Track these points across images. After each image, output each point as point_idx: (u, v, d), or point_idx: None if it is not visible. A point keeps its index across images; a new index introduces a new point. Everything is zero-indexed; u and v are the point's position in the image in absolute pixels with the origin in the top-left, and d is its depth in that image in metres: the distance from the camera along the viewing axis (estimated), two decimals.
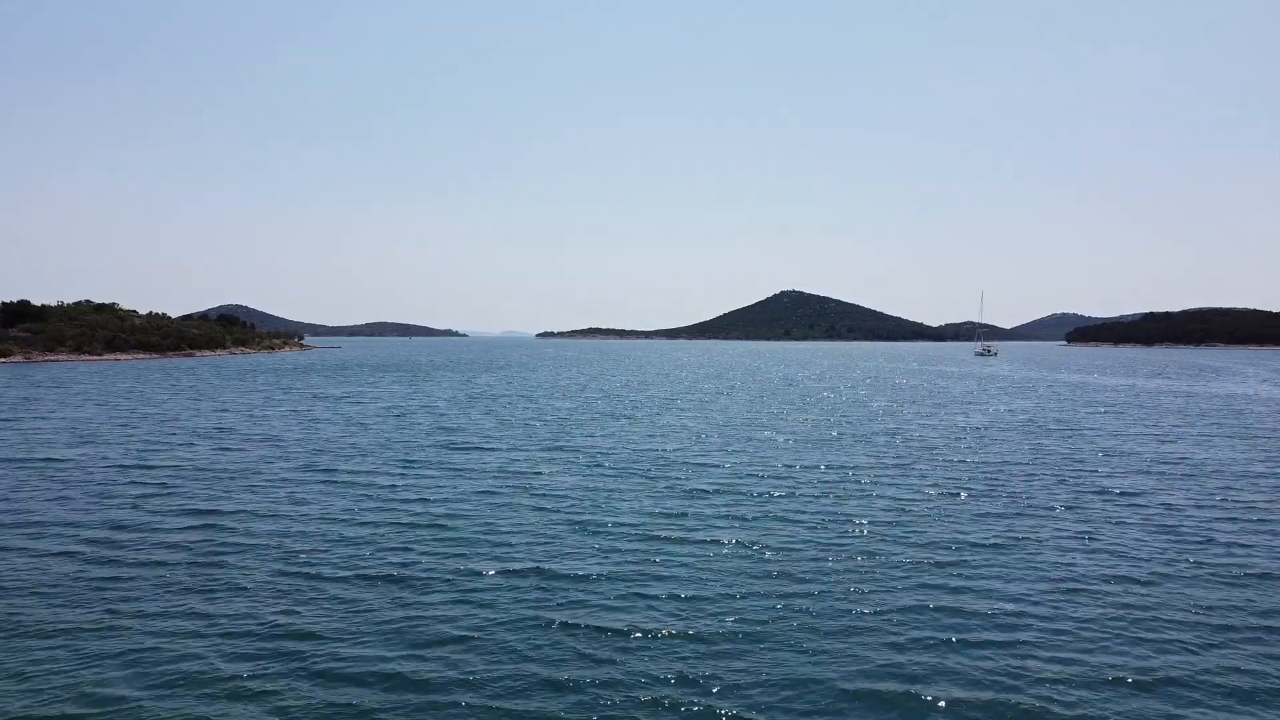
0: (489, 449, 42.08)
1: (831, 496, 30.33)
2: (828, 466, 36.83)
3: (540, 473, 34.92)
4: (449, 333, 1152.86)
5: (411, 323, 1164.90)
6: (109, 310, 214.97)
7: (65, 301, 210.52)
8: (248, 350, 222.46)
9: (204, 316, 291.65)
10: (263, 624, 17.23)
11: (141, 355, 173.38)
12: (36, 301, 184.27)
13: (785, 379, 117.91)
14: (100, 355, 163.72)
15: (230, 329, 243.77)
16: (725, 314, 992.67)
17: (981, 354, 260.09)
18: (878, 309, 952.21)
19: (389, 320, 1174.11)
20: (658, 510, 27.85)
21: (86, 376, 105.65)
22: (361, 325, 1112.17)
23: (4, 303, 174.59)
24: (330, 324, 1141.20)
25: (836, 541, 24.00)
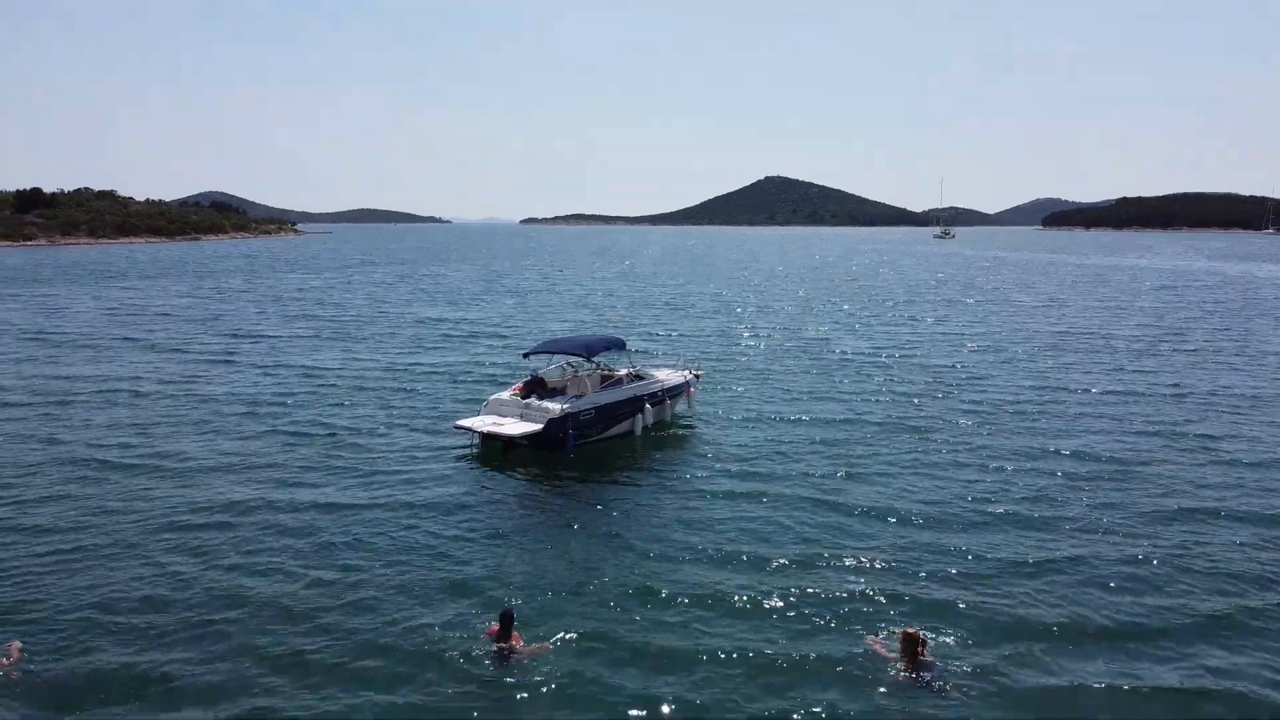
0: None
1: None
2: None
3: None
4: (432, 219, 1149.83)
5: (394, 209, 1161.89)
6: (109, 197, 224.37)
7: (65, 189, 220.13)
8: (246, 235, 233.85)
9: (197, 204, 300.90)
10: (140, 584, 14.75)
11: (153, 239, 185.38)
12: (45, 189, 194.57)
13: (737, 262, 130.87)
14: (114, 239, 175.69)
15: (227, 215, 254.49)
16: (709, 200, 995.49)
17: (940, 237, 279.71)
18: (861, 194, 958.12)
19: (371, 207, 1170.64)
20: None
21: (127, 261, 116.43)
22: (344, 212, 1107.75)
23: (18, 190, 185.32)
24: (313, 210, 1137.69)
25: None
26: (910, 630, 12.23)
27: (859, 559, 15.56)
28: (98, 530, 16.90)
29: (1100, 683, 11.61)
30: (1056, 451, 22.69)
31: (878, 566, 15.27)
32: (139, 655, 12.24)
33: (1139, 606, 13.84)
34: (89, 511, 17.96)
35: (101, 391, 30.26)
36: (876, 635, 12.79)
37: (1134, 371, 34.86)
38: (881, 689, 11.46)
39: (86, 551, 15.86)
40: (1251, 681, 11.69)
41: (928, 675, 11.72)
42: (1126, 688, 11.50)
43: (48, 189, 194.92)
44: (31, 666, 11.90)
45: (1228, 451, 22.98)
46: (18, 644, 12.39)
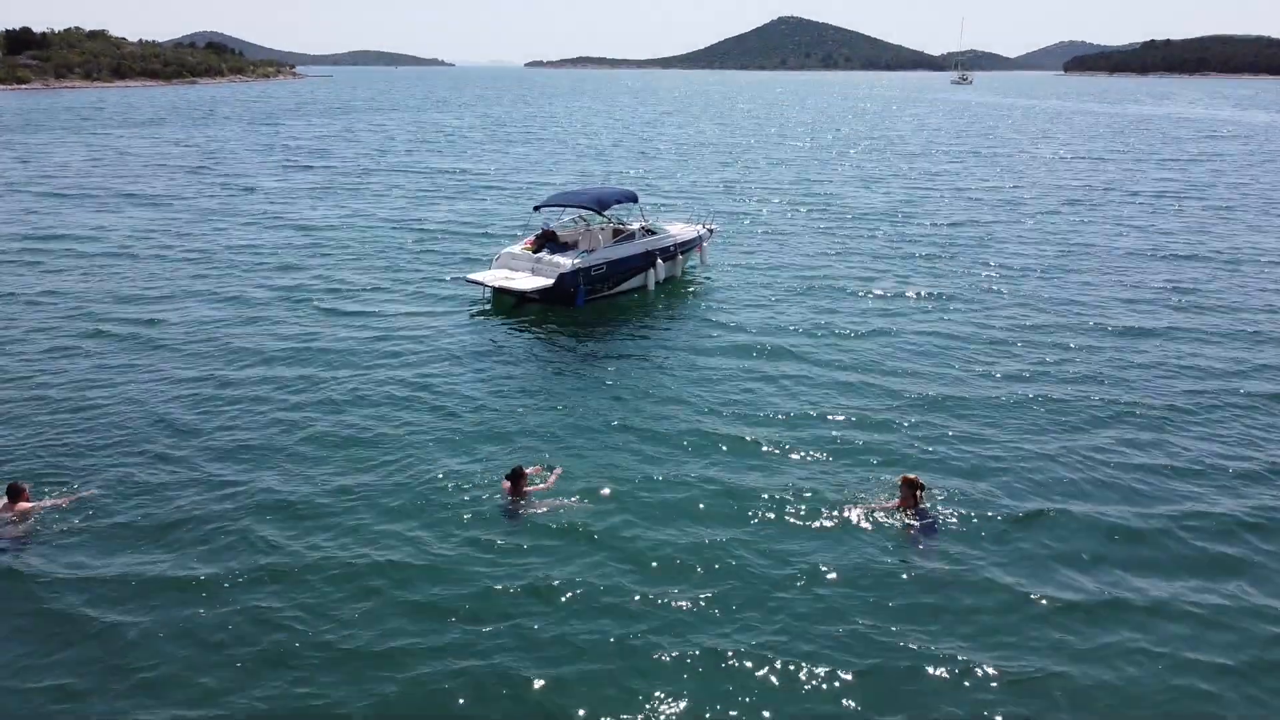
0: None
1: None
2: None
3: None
4: (435, 62, 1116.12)
5: (396, 51, 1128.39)
6: (102, 37, 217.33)
7: (55, 28, 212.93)
8: (244, 79, 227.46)
9: (192, 44, 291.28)
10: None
11: (149, 83, 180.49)
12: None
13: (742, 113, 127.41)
14: (109, 82, 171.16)
15: (224, 57, 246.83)
16: (720, 42, 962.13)
17: (957, 82, 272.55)
18: (879, 36, 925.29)
19: (372, 49, 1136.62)
20: None
21: (123, 106, 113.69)
22: (345, 54, 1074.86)
23: (7, 30, 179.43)
24: (312, 52, 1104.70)
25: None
26: (910, 475, 12.38)
27: (865, 429, 15.38)
28: (101, 386, 16.92)
29: (1101, 564, 11.38)
30: (1073, 319, 22.21)
31: (882, 435, 15.09)
32: (139, 510, 12.25)
33: (1153, 490, 13.36)
34: (88, 370, 17.89)
35: (97, 253, 29.40)
36: (876, 483, 13.02)
37: (1153, 231, 34.15)
38: (879, 543, 11.57)
39: (88, 409, 15.81)
40: (1265, 572, 11.31)
41: (925, 522, 11.93)
42: (1132, 575, 11.15)
43: (36, 28, 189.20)
44: (76, 519, 12.01)
45: (1249, 320, 22.31)
46: (89, 493, 12.52)
